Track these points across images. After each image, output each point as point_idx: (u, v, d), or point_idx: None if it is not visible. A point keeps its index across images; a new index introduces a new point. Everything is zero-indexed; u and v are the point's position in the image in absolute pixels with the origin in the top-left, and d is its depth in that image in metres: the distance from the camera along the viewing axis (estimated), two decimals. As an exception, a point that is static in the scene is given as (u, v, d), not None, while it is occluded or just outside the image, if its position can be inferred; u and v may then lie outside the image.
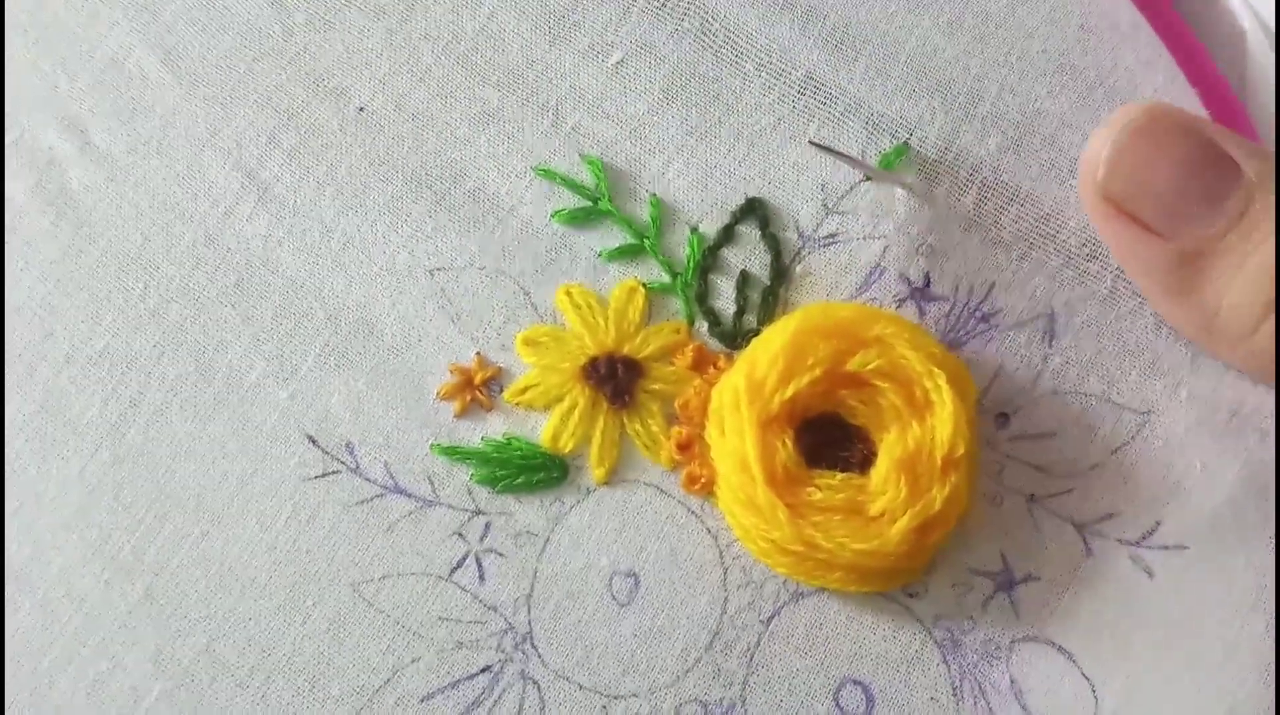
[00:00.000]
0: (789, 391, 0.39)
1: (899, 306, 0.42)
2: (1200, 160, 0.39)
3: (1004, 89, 0.43)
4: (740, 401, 0.39)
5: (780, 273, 0.42)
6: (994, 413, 0.42)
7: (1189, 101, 0.43)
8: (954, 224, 0.42)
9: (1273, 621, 0.40)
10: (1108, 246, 0.41)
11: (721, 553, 0.41)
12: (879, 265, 0.42)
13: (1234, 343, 0.40)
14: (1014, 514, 0.41)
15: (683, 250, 0.42)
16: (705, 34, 0.43)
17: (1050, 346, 0.42)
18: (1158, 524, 0.41)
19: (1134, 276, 0.41)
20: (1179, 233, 0.39)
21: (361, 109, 0.43)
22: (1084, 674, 0.40)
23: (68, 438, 0.41)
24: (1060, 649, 0.40)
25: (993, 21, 0.43)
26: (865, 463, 0.40)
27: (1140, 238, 0.39)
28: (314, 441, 0.41)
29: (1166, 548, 0.41)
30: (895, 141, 0.42)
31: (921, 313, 0.42)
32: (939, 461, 0.39)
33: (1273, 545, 0.41)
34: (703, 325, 0.42)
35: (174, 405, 0.42)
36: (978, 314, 0.42)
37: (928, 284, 0.42)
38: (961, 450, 0.39)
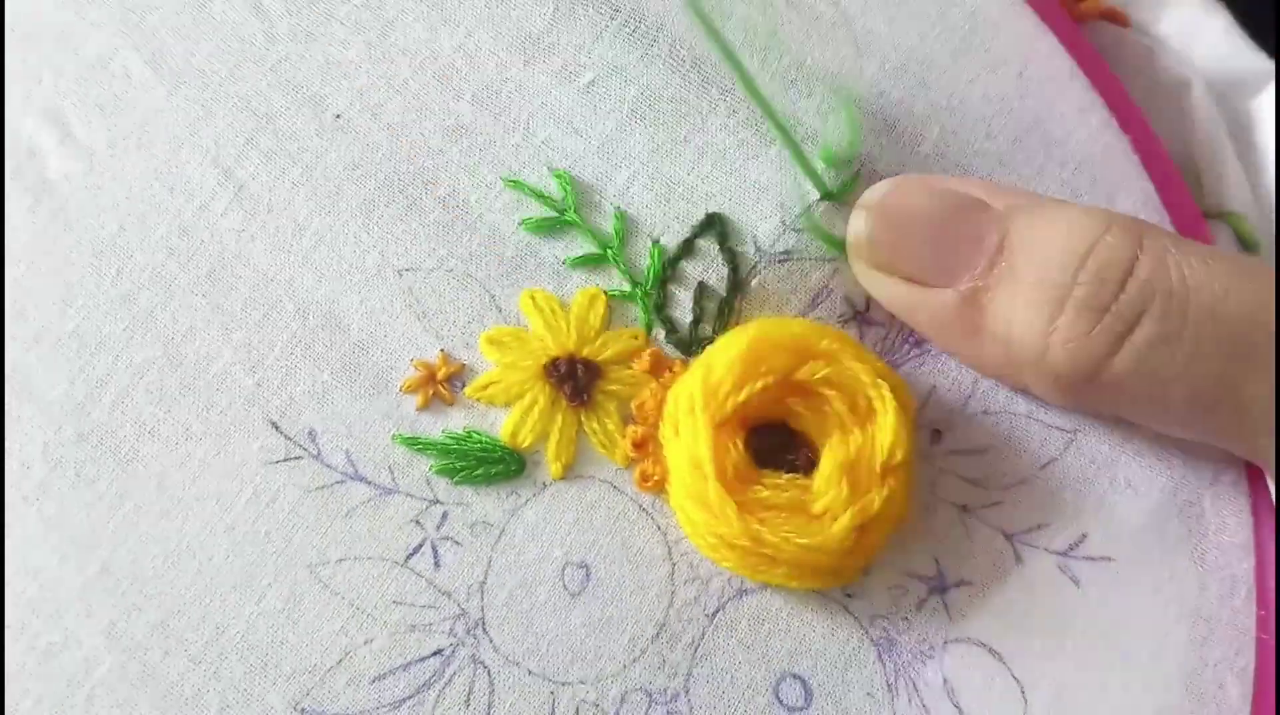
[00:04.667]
0: (742, 396, 0.41)
1: (843, 325, 0.44)
2: (950, 209, 0.42)
3: (945, 130, 0.45)
4: (695, 404, 0.41)
5: (736, 285, 0.44)
6: (929, 429, 0.44)
7: (1120, 147, 0.46)
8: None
9: (1195, 632, 0.42)
10: (893, 313, 0.43)
11: (670, 549, 0.42)
12: (827, 286, 0.44)
13: (1031, 367, 0.41)
14: (947, 523, 0.43)
15: (644, 261, 0.44)
16: (674, 59, 0.45)
17: (979, 371, 0.44)
18: (1084, 536, 0.43)
19: (925, 332, 0.43)
20: (952, 279, 0.41)
21: (338, 117, 0.45)
22: (1014, 675, 0.42)
23: (33, 415, 0.42)
24: (991, 651, 0.42)
25: (936, 68, 0.46)
26: (809, 467, 0.42)
27: (919, 293, 0.42)
28: (277, 427, 0.42)
29: (1093, 559, 0.43)
30: (848, 171, 0.44)
31: (861, 335, 0.44)
32: (878, 467, 0.41)
33: (1194, 561, 0.43)
34: (660, 332, 0.43)
35: (140, 387, 0.42)
36: (911, 340, 0.44)
37: (867, 308, 0.44)
38: (900, 457, 0.41)
